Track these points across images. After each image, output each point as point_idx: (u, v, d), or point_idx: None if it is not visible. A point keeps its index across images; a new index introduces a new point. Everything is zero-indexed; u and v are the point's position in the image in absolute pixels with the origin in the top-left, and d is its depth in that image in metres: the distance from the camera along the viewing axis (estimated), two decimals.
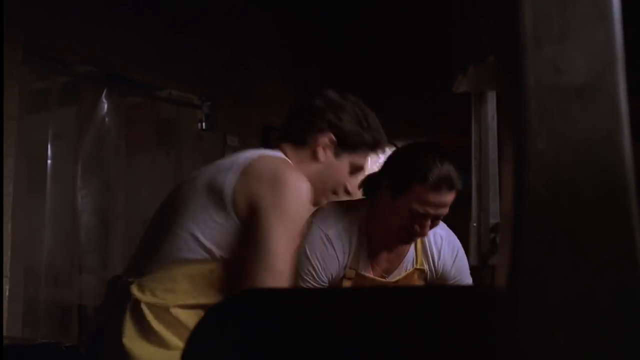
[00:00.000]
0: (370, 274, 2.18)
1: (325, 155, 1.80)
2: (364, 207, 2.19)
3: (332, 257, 2.14)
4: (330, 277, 2.15)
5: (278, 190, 1.59)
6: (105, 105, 4.15)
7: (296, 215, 1.62)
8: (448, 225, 2.23)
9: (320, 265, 2.13)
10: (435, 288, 1.43)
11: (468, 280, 2.16)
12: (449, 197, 1.99)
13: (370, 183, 2.18)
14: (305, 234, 2.15)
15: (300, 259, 2.12)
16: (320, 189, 1.81)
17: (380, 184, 2.13)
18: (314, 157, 1.80)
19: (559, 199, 0.69)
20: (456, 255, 2.17)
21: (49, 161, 4.06)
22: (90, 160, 4.07)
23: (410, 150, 2.12)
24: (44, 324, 3.95)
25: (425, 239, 2.18)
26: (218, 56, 4.48)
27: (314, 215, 2.25)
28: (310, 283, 2.13)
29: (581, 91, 0.71)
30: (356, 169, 1.85)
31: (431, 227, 2.05)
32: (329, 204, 2.32)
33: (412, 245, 2.19)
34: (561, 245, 0.68)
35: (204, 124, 4.57)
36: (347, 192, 1.89)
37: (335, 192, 1.87)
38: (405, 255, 2.20)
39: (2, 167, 2.51)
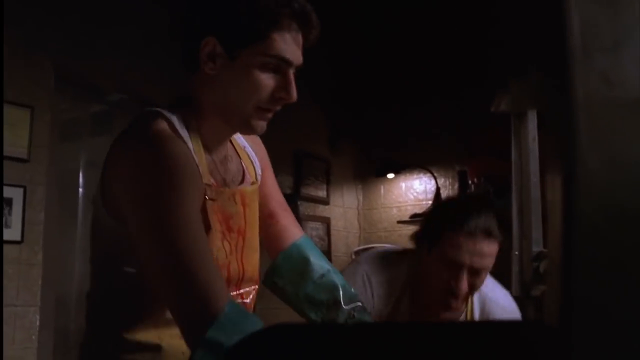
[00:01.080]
0: None
1: (215, 65, 1.39)
2: (413, 260, 2.08)
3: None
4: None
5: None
6: None
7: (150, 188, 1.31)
8: None
9: (375, 295, 2.05)
10: (482, 323, 1.34)
11: None
12: (486, 246, 1.87)
13: (416, 236, 2.06)
14: (347, 271, 2.09)
15: (357, 280, 2.04)
16: (238, 109, 1.41)
17: (420, 239, 2.03)
18: (205, 75, 1.41)
19: (612, 224, 0.63)
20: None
21: (80, 189, 4.06)
22: None
23: (446, 202, 2.03)
24: (74, 354, 3.92)
25: (477, 310, 2.05)
26: None
27: (361, 254, 2.17)
28: None
29: (636, 105, 0.64)
30: (273, 61, 1.38)
31: (471, 284, 1.92)
32: (380, 249, 2.22)
33: (463, 315, 2.05)
34: (617, 275, 0.62)
35: None
36: (280, 97, 1.42)
37: (260, 106, 1.41)
38: None
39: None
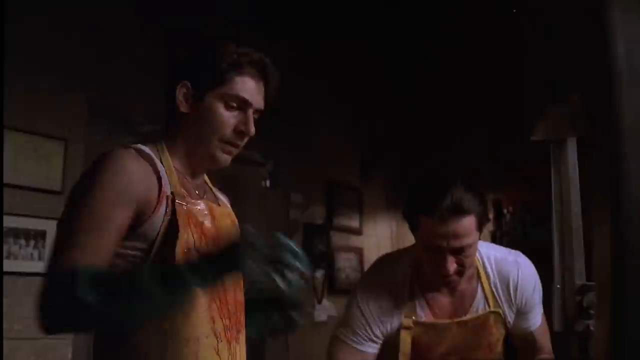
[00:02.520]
0: (430, 319, 2.06)
1: (187, 105, 1.67)
2: (412, 251, 2.11)
3: (388, 313, 2.06)
4: (385, 331, 2.07)
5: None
6: None
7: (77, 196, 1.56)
8: None
9: (377, 323, 2.06)
10: None
11: (541, 305, 2.07)
12: (460, 225, 1.86)
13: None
14: (356, 292, 2.14)
15: (354, 316, 2.08)
16: (204, 142, 1.67)
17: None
18: (180, 113, 1.67)
19: None
20: (535, 281, 2.07)
21: None
22: None
23: (416, 182, 2.06)
24: None
25: (492, 279, 2.06)
26: (281, 112, 4.47)
27: (366, 272, 2.20)
28: (363, 338, 2.06)
29: None
30: (233, 100, 1.66)
31: (459, 263, 1.92)
32: (385, 254, 2.24)
33: (479, 287, 2.06)
34: None
35: (267, 182, 4.55)
36: (241, 132, 1.68)
37: (223, 139, 1.67)
38: (472, 297, 2.07)
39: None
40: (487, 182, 5.24)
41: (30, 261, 3.18)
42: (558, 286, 1.29)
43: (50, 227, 3.26)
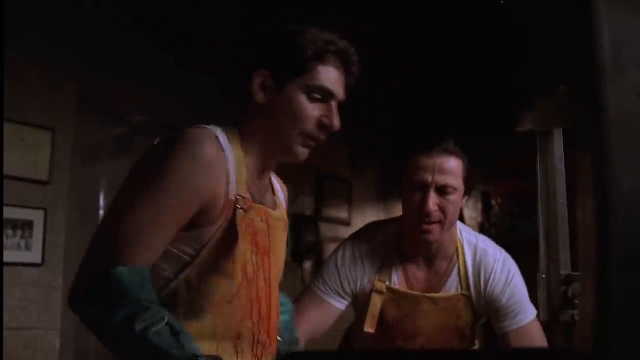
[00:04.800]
0: (404, 288, 2.09)
1: (264, 94, 1.53)
2: (399, 222, 2.15)
3: (361, 272, 2.10)
4: (355, 289, 2.11)
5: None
6: None
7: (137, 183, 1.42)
8: None
9: (348, 279, 2.11)
10: (511, 351, 1.31)
11: (527, 310, 2.04)
12: (446, 162, 1.95)
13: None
14: (339, 247, 2.19)
15: (329, 269, 2.12)
16: (283, 134, 1.53)
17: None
18: (256, 104, 1.54)
19: None
20: (511, 280, 2.07)
21: (100, 212, 4.07)
22: None
23: (414, 128, 2.18)
24: None
25: (469, 262, 2.09)
26: None
27: (354, 232, 2.27)
28: (332, 290, 2.10)
29: None
30: (316, 91, 1.52)
31: (441, 208, 1.96)
32: (375, 221, 2.28)
33: (455, 268, 2.09)
34: None
35: None
36: (324, 125, 1.53)
37: (304, 132, 1.53)
38: (447, 276, 2.10)
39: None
40: (476, 174, 5.26)
41: (17, 251, 3.17)
42: (543, 276, 1.30)
43: (37, 217, 3.25)
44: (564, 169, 1.31)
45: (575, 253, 0.70)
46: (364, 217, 5.92)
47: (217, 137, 1.46)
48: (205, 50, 4.00)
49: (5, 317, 3.06)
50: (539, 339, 1.98)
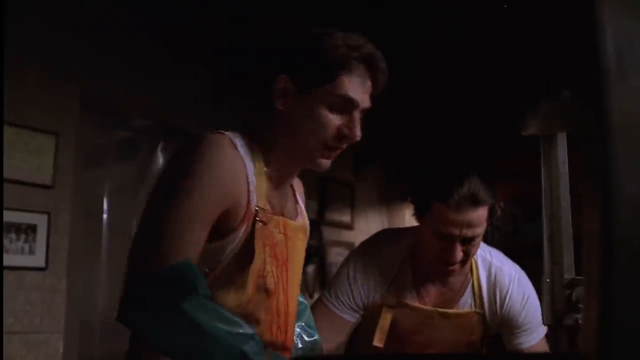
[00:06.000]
0: (415, 303, 2.05)
1: (285, 102, 1.47)
2: (416, 232, 2.08)
3: (373, 285, 2.06)
4: (367, 303, 2.07)
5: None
6: (161, 159, 4.17)
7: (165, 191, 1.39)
8: None
9: (361, 293, 2.07)
10: (518, 356, 1.31)
11: (540, 327, 2.02)
12: (475, 215, 1.86)
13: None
14: (350, 257, 2.15)
15: (341, 281, 2.08)
16: (303, 144, 1.47)
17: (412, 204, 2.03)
18: (276, 110, 1.48)
19: None
20: (527, 300, 2.04)
21: (104, 216, 4.08)
22: None
23: (433, 166, 2.03)
24: None
25: (484, 280, 2.05)
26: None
27: (366, 240, 2.22)
28: (344, 305, 2.07)
29: None
30: (339, 101, 1.45)
31: (465, 252, 1.91)
32: (387, 230, 2.22)
33: (470, 285, 2.06)
34: None
35: None
36: (344, 135, 1.47)
37: (326, 143, 1.47)
38: (461, 292, 2.07)
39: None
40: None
41: (21, 255, 3.18)
42: (547, 280, 1.29)
43: (40, 221, 3.26)
44: (567, 172, 1.30)
45: (580, 257, 0.70)
46: (367, 221, 5.91)
47: (236, 146, 1.44)
48: (211, 53, 4.00)
49: (9, 321, 3.06)
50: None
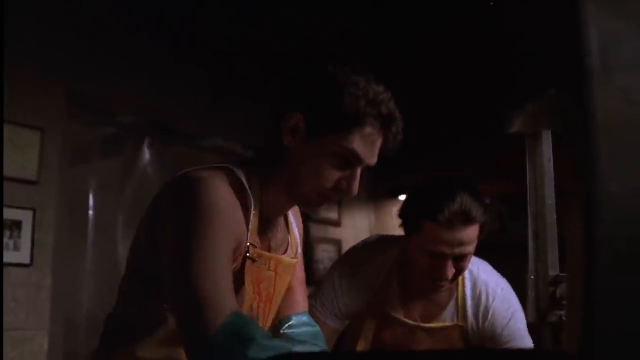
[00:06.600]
0: (400, 316, 2.05)
1: (293, 139, 1.43)
2: (403, 243, 2.07)
3: (358, 294, 2.06)
4: (351, 311, 2.07)
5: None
6: (147, 155, 4.15)
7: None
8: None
9: (345, 301, 2.07)
10: (501, 352, 1.31)
11: (526, 338, 2.00)
12: (466, 234, 1.85)
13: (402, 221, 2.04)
14: (337, 264, 2.15)
15: (327, 289, 2.08)
16: (300, 188, 1.44)
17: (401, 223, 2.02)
18: (283, 144, 1.44)
19: (637, 251, 0.59)
20: (511, 317, 2.02)
21: (90, 212, 4.06)
22: (131, 210, 4.06)
23: (423, 186, 1.99)
24: None
25: (468, 294, 2.04)
26: (261, 102, 4.47)
27: (354, 247, 2.21)
28: (329, 312, 2.07)
29: None
30: (345, 153, 1.40)
31: (457, 269, 1.91)
32: (374, 237, 2.22)
33: (454, 298, 2.05)
34: None
35: None
36: (341, 189, 1.43)
37: (322, 192, 1.43)
38: (445, 306, 2.07)
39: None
40: (465, 175, 5.27)
41: (5, 251, 3.16)
42: (532, 277, 1.30)
43: (25, 217, 3.24)
44: (552, 170, 1.31)
45: (564, 254, 0.71)
46: (354, 218, 5.92)
47: (242, 182, 1.42)
48: (196, 48, 3.99)
49: None
50: None
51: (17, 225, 3.21)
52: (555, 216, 1.32)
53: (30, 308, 3.25)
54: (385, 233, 2.26)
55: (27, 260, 3.25)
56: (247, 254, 1.42)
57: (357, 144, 1.40)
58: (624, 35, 0.62)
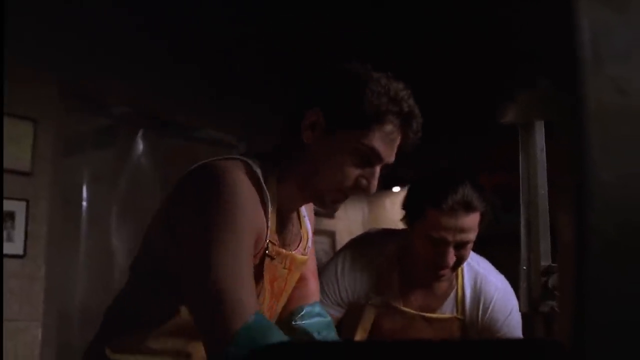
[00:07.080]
0: (399, 305, 2.08)
1: (312, 135, 1.41)
2: (404, 235, 2.11)
3: (359, 284, 2.09)
4: (351, 299, 2.10)
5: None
6: (141, 147, 4.15)
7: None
8: (495, 266, 2.13)
9: (347, 289, 2.09)
10: (493, 341, 1.31)
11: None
12: (468, 220, 1.90)
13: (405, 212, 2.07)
14: (338, 256, 2.16)
15: (328, 279, 2.10)
16: (319, 184, 1.43)
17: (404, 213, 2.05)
18: (301, 140, 1.42)
19: (628, 240, 0.60)
20: (509, 314, 2.06)
21: (83, 203, 4.05)
22: (125, 202, 4.05)
23: (427, 177, 2.04)
24: None
25: (468, 287, 2.08)
26: (254, 95, 4.47)
27: (355, 238, 2.25)
28: (330, 299, 2.09)
29: None
30: (365, 151, 1.39)
31: (458, 257, 1.94)
32: (375, 230, 2.25)
33: (454, 291, 2.09)
34: (632, 294, 0.59)
35: None
36: (360, 186, 1.43)
37: (341, 190, 1.43)
38: (444, 299, 2.10)
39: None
40: (460, 166, 5.28)
41: None
42: (524, 268, 1.31)
43: (19, 208, 3.23)
44: (545, 160, 1.32)
45: (556, 245, 0.71)
46: (347, 210, 5.93)
47: (259, 176, 1.39)
48: (190, 40, 3.98)
49: None
50: None
51: (10, 216, 3.21)
52: (547, 206, 1.32)
53: (23, 299, 3.26)
54: (378, 225, 2.28)
55: (20, 252, 3.25)
56: (267, 252, 1.40)
57: (378, 142, 1.40)
58: (615, 26, 0.63)
